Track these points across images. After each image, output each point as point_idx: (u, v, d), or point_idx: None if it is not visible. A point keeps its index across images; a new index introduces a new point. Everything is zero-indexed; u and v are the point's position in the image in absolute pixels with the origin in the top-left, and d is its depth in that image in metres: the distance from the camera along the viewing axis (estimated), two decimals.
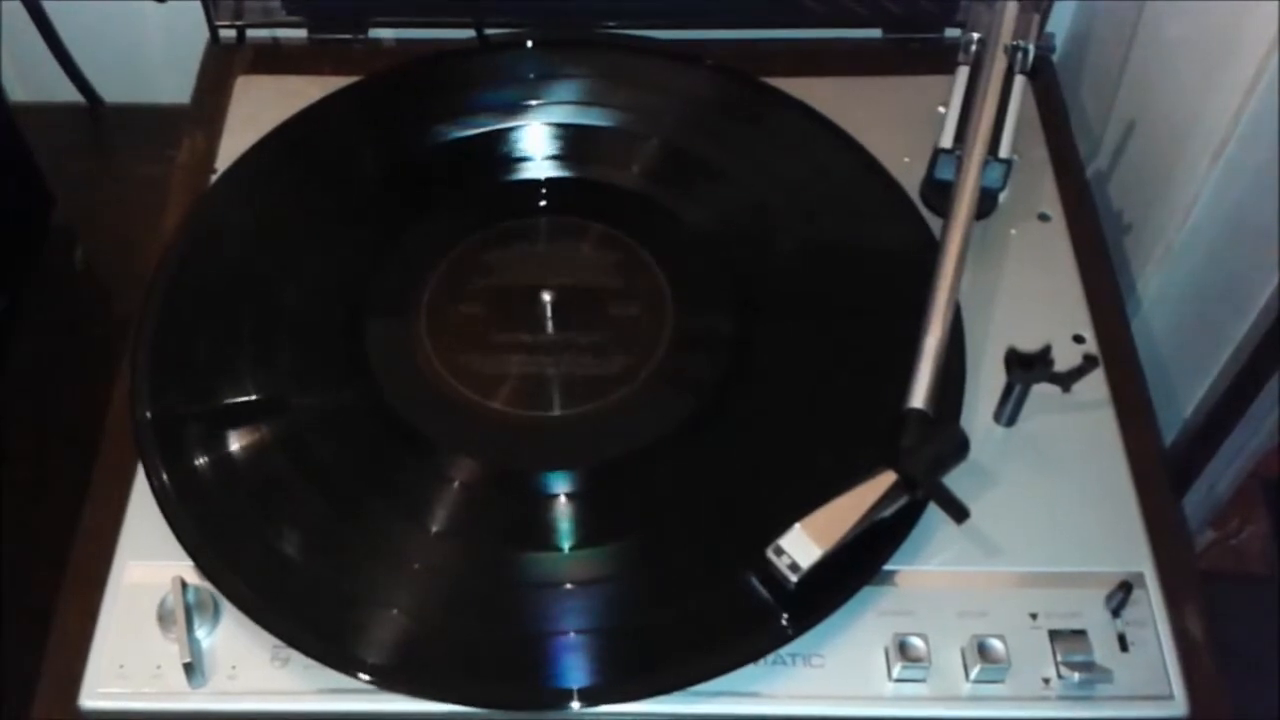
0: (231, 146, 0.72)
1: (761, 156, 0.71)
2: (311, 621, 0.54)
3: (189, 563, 0.56)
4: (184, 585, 0.54)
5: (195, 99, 0.76)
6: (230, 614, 0.55)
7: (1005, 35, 0.70)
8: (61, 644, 0.55)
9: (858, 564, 0.55)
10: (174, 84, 0.79)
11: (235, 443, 0.60)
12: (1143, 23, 0.73)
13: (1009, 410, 0.61)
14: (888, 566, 0.56)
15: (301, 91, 0.73)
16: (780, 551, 0.53)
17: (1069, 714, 0.54)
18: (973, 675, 0.54)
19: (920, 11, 0.78)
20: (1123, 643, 0.55)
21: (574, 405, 0.62)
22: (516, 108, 0.73)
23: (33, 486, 0.68)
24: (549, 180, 0.71)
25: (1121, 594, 0.55)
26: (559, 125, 0.72)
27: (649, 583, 0.56)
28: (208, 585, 0.55)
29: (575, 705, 0.52)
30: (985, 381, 0.62)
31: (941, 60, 0.73)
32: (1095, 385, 0.62)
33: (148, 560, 0.56)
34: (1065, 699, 0.54)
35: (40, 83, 0.87)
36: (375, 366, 0.63)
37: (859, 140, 0.71)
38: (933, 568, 0.57)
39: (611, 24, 0.78)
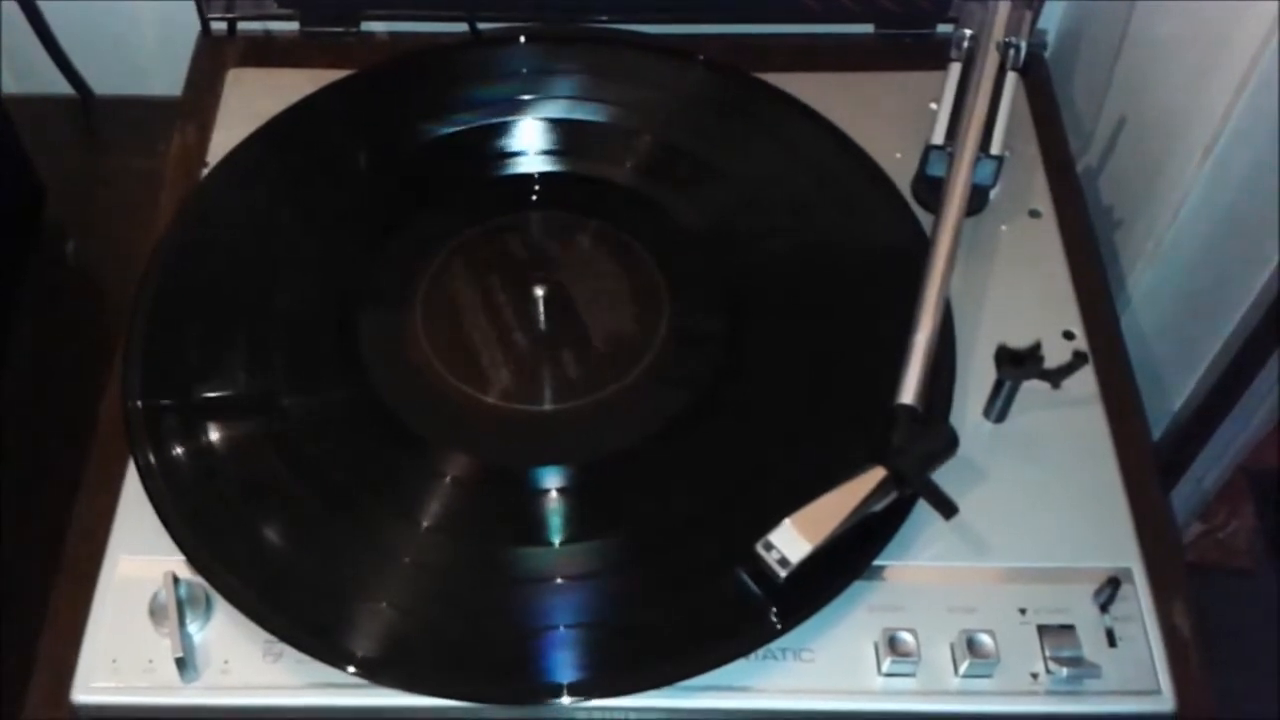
0: (223, 140, 0.71)
1: (753, 152, 0.71)
2: (303, 616, 0.54)
3: (181, 557, 0.56)
4: (176, 580, 0.54)
5: (186, 92, 0.76)
6: (222, 609, 0.55)
7: (997, 32, 0.70)
8: (54, 638, 0.55)
9: (847, 559, 0.55)
10: (165, 76, 0.79)
11: (227, 437, 0.60)
12: (1134, 20, 0.73)
13: (999, 406, 0.61)
14: (877, 562, 0.56)
15: (293, 85, 0.73)
16: (770, 546, 0.53)
17: (1057, 708, 0.54)
18: (962, 670, 0.54)
19: (913, 8, 0.78)
20: (1111, 638, 0.55)
21: (566, 400, 0.62)
22: (509, 102, 0.73)
23: (25, 480, 0.67)
24: (542, 175, 0.71)
25: (1110, 589, 0.55)
26: (552, 120, 0.72)
27: (639, 578, 0.56)
28: (200, 580, 0.55)
29: (565, 699, 0.53)
30: (975, 378, 0.62)
31: (934, 56, 0.73)
32: (1085, 381, 0.62)
33: (140, 555, 0.56)
34: (1053, 694, 0.54)
35: (31, 74, 0.86)
36: (368, 361, 0.63)
37: (851, 136, 0.71)
38: (922, 563, 0.57)
39: (604, 19, 0.78)
